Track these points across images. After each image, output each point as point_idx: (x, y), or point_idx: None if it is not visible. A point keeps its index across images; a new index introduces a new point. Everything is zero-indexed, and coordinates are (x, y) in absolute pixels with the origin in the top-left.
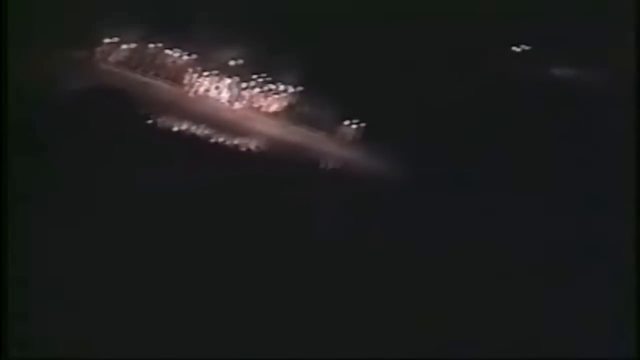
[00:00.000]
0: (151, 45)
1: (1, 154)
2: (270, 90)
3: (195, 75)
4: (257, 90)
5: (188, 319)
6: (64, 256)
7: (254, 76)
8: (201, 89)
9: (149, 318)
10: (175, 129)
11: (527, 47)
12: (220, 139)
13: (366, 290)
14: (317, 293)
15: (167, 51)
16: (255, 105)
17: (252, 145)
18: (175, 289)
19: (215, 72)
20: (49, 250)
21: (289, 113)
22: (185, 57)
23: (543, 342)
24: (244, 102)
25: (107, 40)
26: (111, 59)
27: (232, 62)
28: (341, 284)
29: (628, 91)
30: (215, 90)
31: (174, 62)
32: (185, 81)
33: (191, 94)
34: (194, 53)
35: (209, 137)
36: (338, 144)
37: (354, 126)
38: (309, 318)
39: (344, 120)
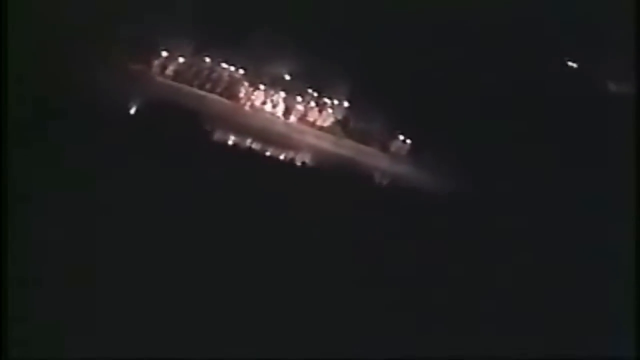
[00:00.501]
0: (207, 59)
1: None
2: (323, 103)
3: (251, 89)
4: (310, 103)
5: (196, 321)
6: (64, 256)
7: (308, 89)
8: (256, 103)
9: (149, 318)
10: (230, 141)
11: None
12: (274, 152)
13: (416, 304)
14: (367, 308)
15: (223, 64)
16: (309, 118)
17: (305, 158)
18: (191, 294)
19: (270, 85)
20: (49, 251)
21: (342, 127)
22: (241, 71)
23: (543, 342)
24: (298, 115)
25: (164, 53)
26: (167, 71)
27: (286, 76)
28: (391, 299)
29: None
30: (270, 103)
31: (229, 75)
32: (241, 94)
33: (246, 107)
34: (249, 66)
35: (262, 150)
36: (389, 159)
37: (406, 141)
38: (355, 334)
39: (396, 134)
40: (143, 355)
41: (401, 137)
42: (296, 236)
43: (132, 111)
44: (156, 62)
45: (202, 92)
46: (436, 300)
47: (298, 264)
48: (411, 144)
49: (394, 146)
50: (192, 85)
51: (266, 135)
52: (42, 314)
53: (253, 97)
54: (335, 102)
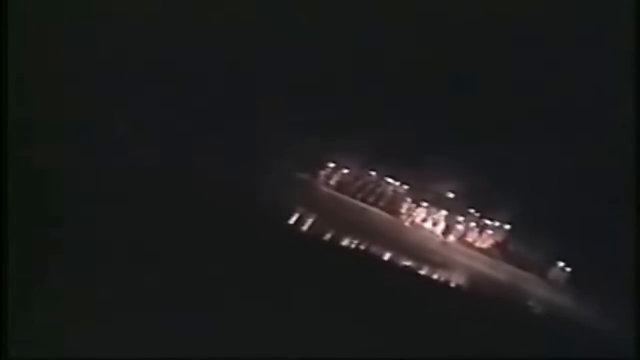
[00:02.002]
0: (372, 172)
1: None
2: (484, 225)
3: (413, 205)
4: (471, 224)
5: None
6: (64, 256)
7: (470, 210)
8: (417, 219)
9: (149, 318)
10: (386, 256)
11: None
12: (429, 271)
13: None
14: None
15: (388, 179)
16: (468, 239)
17: (460, 279)
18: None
19: (433, 203)
20: (49, 251)
21: (500, 250)
22: (405, 187)
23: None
24: (457, 235)
25: (331, 164)
26: (332, 182)
27: (449, 195)
28: None
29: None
30: (430, 221)
31: (393, 190)
32: (402, 210)
33: (406, 223)
34: (414, 183)
35: (417, 267)
36: (547, 286)
37: (566, 269)
38: None
39: (556, 261)
40: (143, 356)
41: (561, 264)
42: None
43: (293, 218)
44: (322, 173)
45: (364, 205)
46: None
47: None
48: (571, 273)
49: (552, 273)
50: (355, 197)
51: (423, 253)
52: (42, 314)
53: (414, 213)
54: (496, 223)
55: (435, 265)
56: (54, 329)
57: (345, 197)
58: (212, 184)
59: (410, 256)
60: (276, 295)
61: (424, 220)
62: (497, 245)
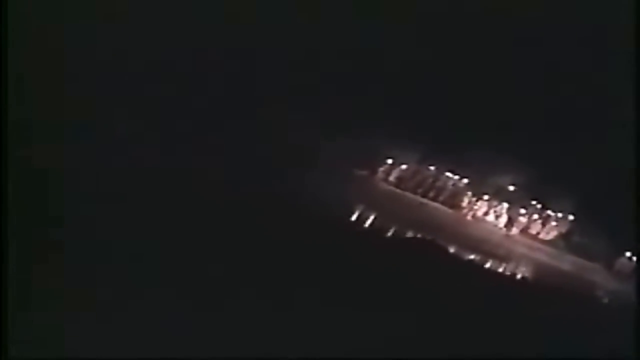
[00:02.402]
0: (431, 167)
1: None
2: (547, 216)
3: (474, 199)
4: (534, 215)
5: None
6: (64, 257)
7: (532, 202)
8: (478, 213)
9: (149, 318)
10: (450, 250)
11: None
12: (494, 264)
13: None
14: None
15: (447, 174)
16: (531, 231)
17: (525, 271)
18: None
19: (494, 196)
20: (49, 251)
21: (565, 241)
22: (465, 180)
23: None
24: (520, 227)
25: (389, 161)
26: (391, 178)
27: (510, 187)
28: None
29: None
30: (493, 214)
31: (453, 184)
32: (463, 204)
33: (468, 217)
34: (474, 177)
35: (482, 261)
36: (613, 277)
37: (633, 258)
38: None
39: (622, 251)
40: (143, 356)
41: (627, 254)
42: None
43: (355, 215)
44: (381, 169)
45: (425, 200)
46: None
47: None
48: (637, 262)
49: (619, 264)
50: (415, 193)
51: (487, 246)
52: (42, 314)
53: (476, 207)
54: (560, 215)
55: (499, 258)
56: (54, 329)
57: (405, 193)
58: (271, 185)
59: (474, 250)
60: (340, 292)
61: (486, 213)
62: (560, 236)
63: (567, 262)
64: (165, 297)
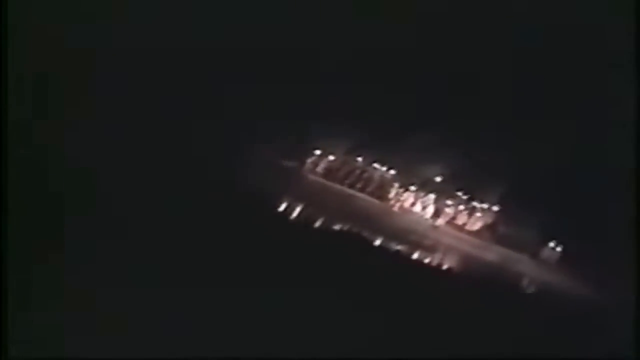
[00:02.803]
0: (359, 159)
1: None
2: (473, 207)
3: (401, 190)
4: (460, 206)
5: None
6: (64, 257)
7: (458, 192)
8: (405, 204)
9: (150, 319)
10: (376, 242)
11: None
12: (420, 255)
13: None
14: None
15: (375, 165)
16: (458, 222)
17: (451, 262)
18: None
19: (421, 187)
20: (49, 251)
21: (491, 232)
22: (392, 172)
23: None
24: (447, 218)
25: (316, 152)
26: (319, 169)
27: (437, 178)
28: None
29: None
30: (419, 205)
31: (380, 176)
32: (391, 195)
33: (395, 208)
34: (401, 168)
35: (409, 252)
36: (539, 266)
37: (557, 248)
38: None
39: (547, 241)
40: (143, 356)
41: (552, 244)
42: (440, 340)
43: (281, 207)
44: (308, 160)
45: (352, 191)
46: None
47: None
48: (562, 252)
49: (544, 253)
50: (342, 184)
51: (414, 237)
52: (42, 314)
53: (403, 198)
54: (485, 205)
55: (425, 249)
56: (54, 329)
57: (333, 184)
58: (196, 175)
59: (400, 241)
60: (266, 284)
61: (413, 204)
62: (487, 227)
63: (493, 253)
64: (167, 298)
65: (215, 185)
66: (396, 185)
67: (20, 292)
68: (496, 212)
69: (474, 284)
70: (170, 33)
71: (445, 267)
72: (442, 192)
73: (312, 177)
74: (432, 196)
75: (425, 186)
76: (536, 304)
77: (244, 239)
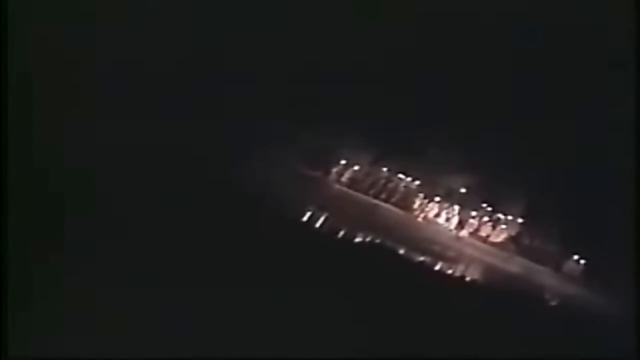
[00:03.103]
0: (384, 169)
1: None
2: (497, 219)
3: (425, 201)
4: (484, 218)
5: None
6: (65, 256)
7: (483, 204)
8: (429, 215)
9: (150, 319)
10: (400, 252)
11: None
12: (444, 266)
13: None
14: None
15: (400, 175)
16: (481, 233)
17: (475, 274)
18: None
19: (445, 198)
20: (49, 251)
21: (515, 244)
22: (417, 182)
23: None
24: (470, 229)
25: (342, 162)
26: (343, 179)
27: (461, 189)
28: None
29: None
30: (444, 216)
31: (405, 186)
32: (415, 206)
33: (419, 219)
34: (426, 179)
35: (432, 263)
36: (561, 279)
37: (580, 261)
38: None
39: (570, 254)
40: (143, 356)
41: (575, 257)
42: (462, 351)
43: (306, 216)
44: (334, 170)
45: (377, 201)
46: None
47: None
48: (585, 265)
49: (567, 266)
50: (367, 194)
51: (437, 248)
52: (42, 314)
53: (427, 209)
54: (510, 217)
55: (449, 260)
56: (54, 328)
57: (358, 194)
58: (220, 183)
59: (424, 251)
60: (289, 294)
61: (437, 215)
62: (510, 239)
63: (516, 265)
64: (166, 296)
65: (241, 193)
66: (420, 195)
67: (20, 292)
68: (520, 224)
69: (496, 295)
70: (175, 33)
71: (467, 278)
72: (466, 204)
73: (337, 186)
74: (456, 207)
75: (450, 197)
76: (557, 317)
77: (269, 247)
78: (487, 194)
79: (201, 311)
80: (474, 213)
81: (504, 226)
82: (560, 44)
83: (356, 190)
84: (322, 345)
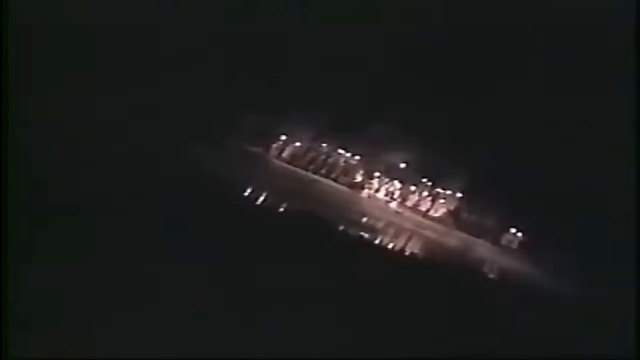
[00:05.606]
0: (324, 145)
1: None
2: (436, 193)
3: (365, 176)
4: (424, 193)
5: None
6: (64, 257)
7: (422, 179)
8: (370, 190)
9: (150, 319)
10: (340, 227)
11: None
12: (384, 240)
13: None
14: None
15: (340, 151)
16: (421, 208)
17: (414, 247)
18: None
19: (385, 173)
20: (49, 251)
21: (454, 218)
22: (357, 158)
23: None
24: (410, 204)
25: (282, 137)
26: (284, 155)
27: (401, 165)
28: None
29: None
30: (384, 191)
31: (345, 161)
32: (355, 181)
33: (360, 195)
34: (366, 154)
35: (372, 237)
36: (500, 251)
37: (518, 234)
38: None
39: (508, 227)
40: (143, 356)
41: (513, 230)
42: (400, 325)
43: (247, 192)
44: (274, 146)
45: (317, 177)
46: None
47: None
48: (523, 238)
49: (505, 239)
50: (307, 170)
51: (377, 223)
52: (42, 314)
53: (367, 184)
54: (448, 192)
55: (389, 234)
56: (54, 328)
57: (298, 170)
58: (162, 162)
59: (364, 226)
60: (232, 268)
61: (377, 190)
62: (449, 213)
63: (455, 238)
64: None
65: (180, 170)
66: (361, 171)
67: (20, 292)
68: (459, 199)
69: (436, 268)
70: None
71: (407, 252)
72: (406, 179)
73: (277, 162)
74: (396, 182)
75: (390, 172)
76: (496, 289)
77: (210, 222)
78: (426, 169)
79: (147, 287)
80: (413, 188)
81: (443, 200)
82: (561, 43)
83: (297, 166)
84: (266, 318)
